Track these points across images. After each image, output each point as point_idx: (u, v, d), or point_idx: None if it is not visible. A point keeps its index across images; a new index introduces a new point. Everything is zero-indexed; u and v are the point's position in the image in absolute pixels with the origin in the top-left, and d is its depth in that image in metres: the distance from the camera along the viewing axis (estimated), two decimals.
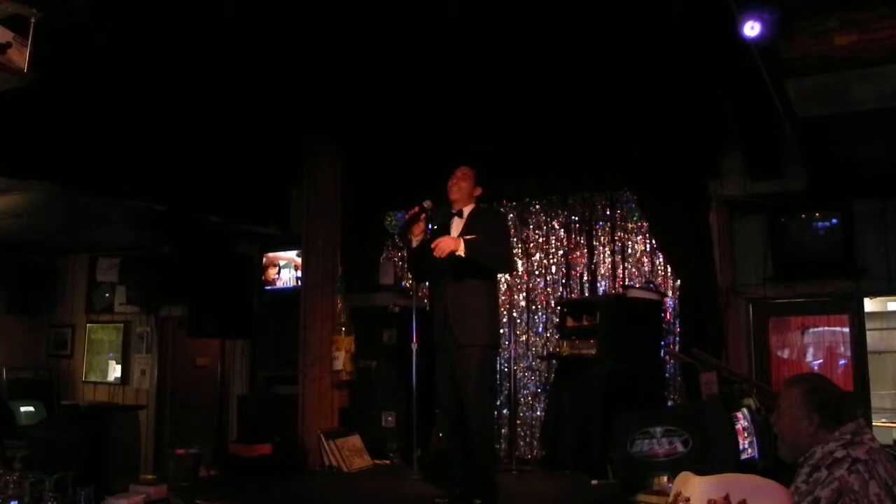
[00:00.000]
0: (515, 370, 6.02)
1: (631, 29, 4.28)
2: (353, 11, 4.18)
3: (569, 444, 5.31)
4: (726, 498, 2.20)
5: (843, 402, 2.44)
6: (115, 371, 8.19)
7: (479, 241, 4.04)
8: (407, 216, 4.29)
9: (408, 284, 6.51)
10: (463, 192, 4.35)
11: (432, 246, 4.01)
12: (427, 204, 4.27)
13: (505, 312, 6.43)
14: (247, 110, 5.39)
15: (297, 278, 6.84)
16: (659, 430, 4.09)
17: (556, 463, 5.41)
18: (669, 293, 5.84)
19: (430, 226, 4.31)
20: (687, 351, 5.23)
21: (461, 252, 3.97)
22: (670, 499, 2.38)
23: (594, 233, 6.21)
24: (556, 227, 6.37)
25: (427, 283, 5.06)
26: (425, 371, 5.48)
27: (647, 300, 5.56)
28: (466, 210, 4.35)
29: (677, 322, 5.76)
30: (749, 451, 4.06)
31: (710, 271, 5.55)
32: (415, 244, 4.32)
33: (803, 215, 5.48)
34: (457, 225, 4.33)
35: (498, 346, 4.53)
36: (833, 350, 5.56)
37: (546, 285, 6.35)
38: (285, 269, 7.17)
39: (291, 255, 7.09)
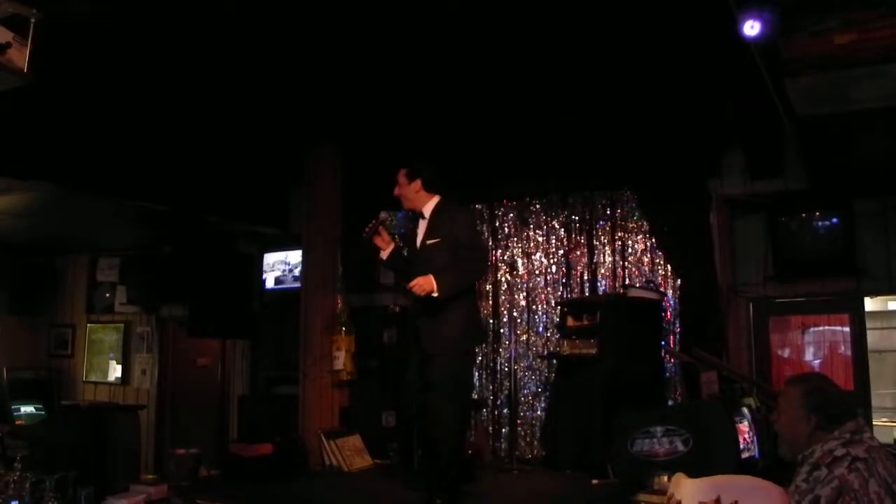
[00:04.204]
0: (515, 370, 6.02)
1: (631, 28, 4.28)
2: (353, 11, 4.18)
3: (569, 443, 5.30)
4: (717, 500, 2.21)
5: (842, 405, 2.44)
6: (115, 371, 8.19)
7: (449, 278, 3.91)
8: (365, 232, 4.23)
9: None
10: (406, 196, 4.20)
11: (409, 285, 3.90)
12: (382, 215, 4.23)
13: (505, 312, 6.43)
14: (247, 110, 5.39)
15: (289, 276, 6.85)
16: (659, 429, 4.09)
17: (556, 463, 5.40)
18: (670, 292, 5.84)
19: (397, 233, 4.30)
20: (687, 350, 5.23)
21: (436, 294, 3.85)
22: (665, 501, 2.39)
23: (594, 232, 6.21)
24: (557, 226, 6.36)
25: None
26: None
27: (648, 300, 5.56)
28: (428, 209, 4.18)
29: (678, 321, 5.75)
30: (749, 450, 4.07)
31: (710, 271, 5.54)
32: (384, 256, 4.25)
33: (804, 215, 5.48)
34: (422, 227, 4.19)
35: (471, 351, 4.44)
36: (833, 349, 5.55)
37: (546, 285, 6.35)
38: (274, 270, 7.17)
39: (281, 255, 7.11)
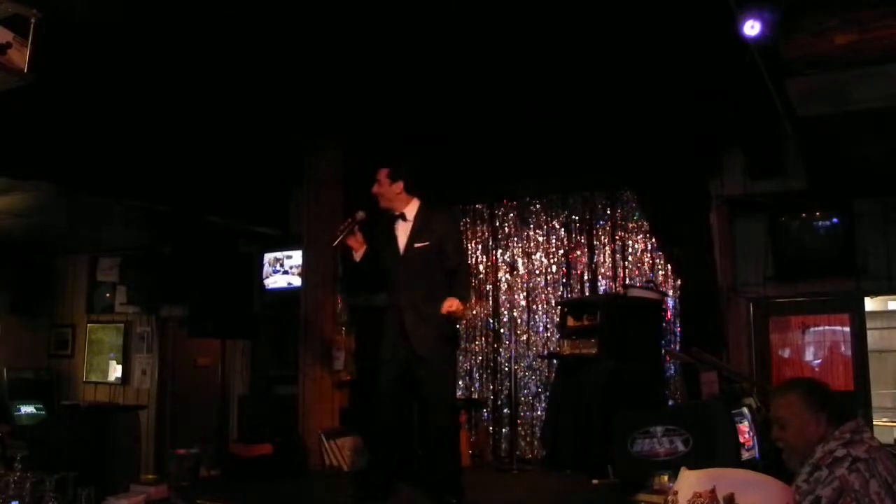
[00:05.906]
0: (515, 370, 6.02)
1: (632, 27, 4.28)
2: (354, 12, 4.18)
3: (569, 443, 5.30)
4: (712, 491, 2.21)
5: (838, 398, 2.45)
6: (115, 371, 8.19)
7: (464, 291, 4.02)
8: (339, 230, 4.14)
9: None
10: (385, 196, 4.13)
11: (449, 311, 3.83)
12: (360, 215, 4.11)
13: (505, 312, 6.43)
14: (248, 111, 5.39)
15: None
16: (659, 429, 4.10)
17: (556, 462, 5.40)
18: (670, 292, 5.84)
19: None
20: (687, 350, 5.23)
21: (465, 310, 3.94)
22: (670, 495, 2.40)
23: (594, 232, 6.21)
24: (557, 226, 6.37)
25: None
26: None
27: (648, 299, 5.56)
28: (410, 211, 4.13)
29: (678, 321, 5.75)
30: (750, 450, 4.06)
31: (710, 270, 5.54)
32: (357, 257, 4.15)
33: (804, 215, 5.49)
34: (402, 229, 4.13)
35: (456, 349, 4.50)
36: (834, 349, 5.56)
37: (546, 285, 6.35)
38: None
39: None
